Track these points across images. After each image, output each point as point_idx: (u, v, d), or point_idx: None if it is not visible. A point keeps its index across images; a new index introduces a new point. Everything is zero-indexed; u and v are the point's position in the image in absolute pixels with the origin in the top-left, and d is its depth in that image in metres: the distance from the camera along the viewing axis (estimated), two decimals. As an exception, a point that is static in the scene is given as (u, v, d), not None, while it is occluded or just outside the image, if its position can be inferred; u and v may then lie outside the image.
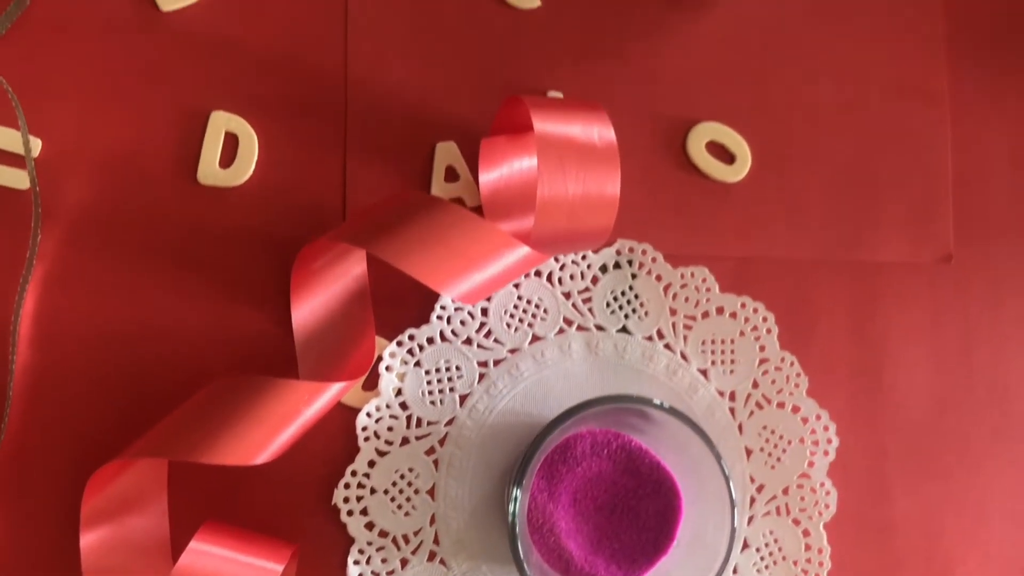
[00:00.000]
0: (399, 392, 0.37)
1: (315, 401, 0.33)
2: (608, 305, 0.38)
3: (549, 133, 0.34)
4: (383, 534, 0.36)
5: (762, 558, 0.38)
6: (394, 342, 0.37)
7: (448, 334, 0.37)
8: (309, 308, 0.35)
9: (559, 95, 0.39)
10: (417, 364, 0.37)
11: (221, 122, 0.37)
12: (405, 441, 0.37)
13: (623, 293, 0.38)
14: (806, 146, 0.40)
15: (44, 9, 0.38)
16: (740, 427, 0.38)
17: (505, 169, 0.37)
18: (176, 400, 0.34)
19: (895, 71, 0.41)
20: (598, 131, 0.35)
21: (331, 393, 0.33)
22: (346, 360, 0.35)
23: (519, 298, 0.38)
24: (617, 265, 0.38)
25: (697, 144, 0.39)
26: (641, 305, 0.38)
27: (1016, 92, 0.41)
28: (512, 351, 0.38)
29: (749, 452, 0.38)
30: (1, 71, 0.37)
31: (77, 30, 0.38)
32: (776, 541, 0.38)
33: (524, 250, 0.34)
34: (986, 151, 0.41)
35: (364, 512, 0.36)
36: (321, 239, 0.34)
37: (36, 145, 0.36)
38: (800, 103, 0.40)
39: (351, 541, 0.36)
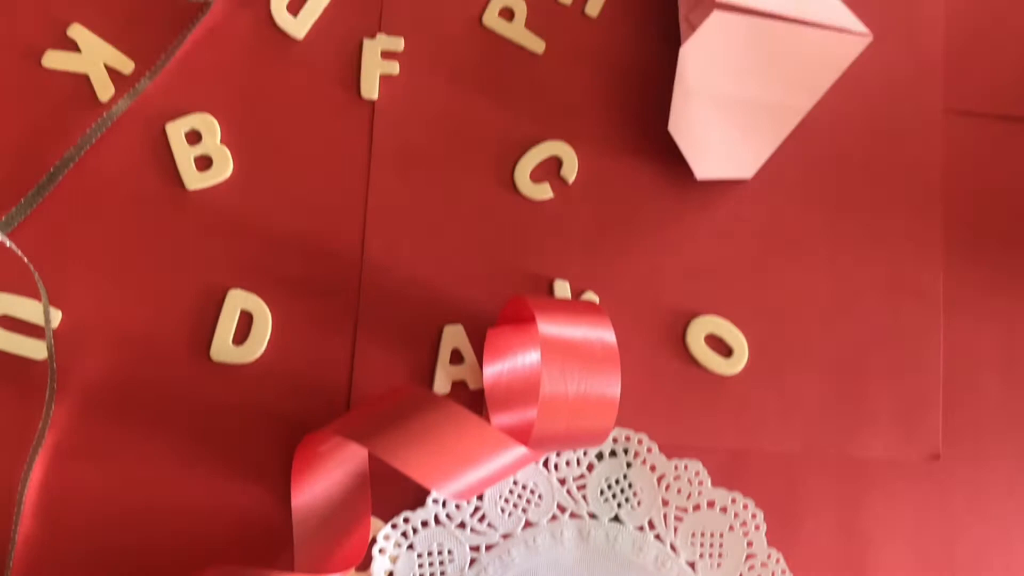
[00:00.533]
0: (390, 575, 0.38)
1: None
2: (602, 493, 0.39)
3: (552, 337, 0.35)
4: None
5: None
6: (389, 524, 0.38)
7: (443, 517, 0.38)
8: (309, 495, 0.36)
9: (566, 284, 0.40)
10: (410, 547, 0.38)
11: (238, 301, 0.38)
12: (394, 625, 0.37)
13: (617, 481, 0.39)
14: (802, 341, 0.41)
15: (73, 183, 0.39)
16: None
17: (508, 363, 0.38)
18: (176, 577, 0.35)
19: (891, 271, 0.42)
20: (600, 335, 0.36)
21: (325, 585, 0.34)
22: (341, 547, 0.36)
23: (515, 483, 0.39)
24: (613, 453, 0.39)
25: (696, 336, 0.41)
26: (635, 494, 0.39)
27: (1008, 294, 0.42)
28: (505, 536, 0.38)
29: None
30: (27, 241, 0.38)
31: (105, 205, 0.39)
32: None
33: (520, 450, 0.35)
34: (977, 351, 0.42)
35: None
36: (322, 431, 0.35)
37: (56, 316, 0.38)
38: (797, 299, 0.41)
39: None
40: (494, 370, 0.38)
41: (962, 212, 0.42)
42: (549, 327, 0.36)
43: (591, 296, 0.40)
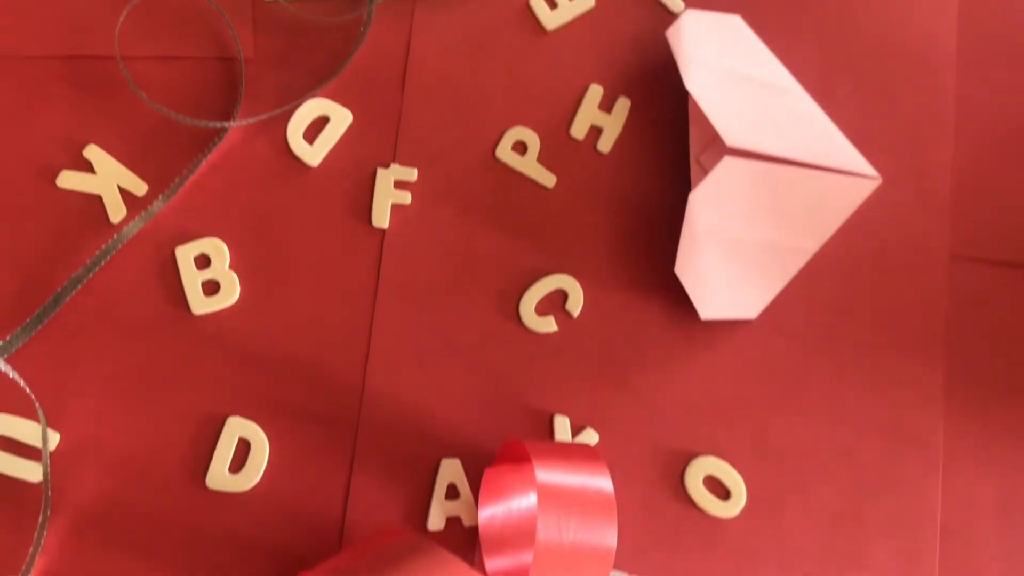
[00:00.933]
0: None
1: None
2: (593, 636, 0.39)
3: (550, 485, 0.35)
4: None
5: None
6: (377, 663, 0.37)
7: (431, 657, 0.38)
8: (297, 636, 0.36)
9: (566, 420, 0.40)
10: None
11: (236, 428, 0.38)
12: None
13: (610, 624, 0.39)
14: (800, 486, 0.41)
15: (80, 303, 0.39)
16: None
17: (504, 506, 0.38)
18: None
19: (892, 417, 0.42)
20: (597, 484, 0.36)
21: None
22: None
23: (506, 623, 0.38)
24: (606, 595, 0.39)
25: (695, 477, 0.40)
26: (626, 640, 0.39)
27: (1007, 446, 0.42)
28: None
29: None
30: (31, 360, 0.38)
31: (110, 326, 0.39)
32: None
33: (513, 601, 0.35)
34: (975, 504, 0.41)
35: None
36: (311, 573, 0.35)
37: (54, 439, 0.37)
38: (797, 442, 0.41)
39: None
40: (489, 512, 0.38)
41: (964, 360, 0.42)
42: (546, 474, 0.35)
43: (591, 433, 0.40)
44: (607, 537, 0.36)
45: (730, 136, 0.40)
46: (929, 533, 0.41)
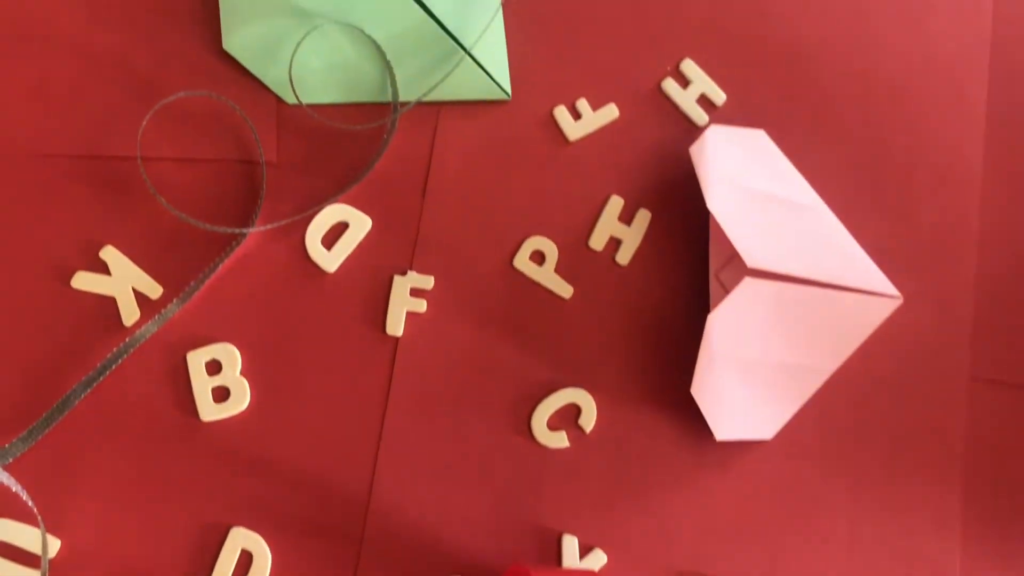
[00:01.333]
0: None
1: None
2: None
3: (557, 617, 0.34)
4: None
5: None
6: None
7: None
8: None
9: (574, 540, 0.39)
10: None
11: (239, 540, 0.38)
12: None
13: None
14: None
15: (87, 406, 0.39)
16: None
17: (509, 632, 0.37)
18: None
19: (908, 543, 0.41)
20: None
21: None
22: None
23: None
24: None
25: (704, 603, 0.40)
26: None
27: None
28: None
29: None
30: (33, 466, 0.38)
31: (116, 430, 0.39)
32: None
33: None
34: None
35: None
36: None
37: (54, 545, 0.37)
38: (811, 568, 0.40)
39: None
40: (493, 638, 0.38)
41: (983, 484, 0.41)
42: (553, 604, 0.35)
43: (599, 554, 0.39)
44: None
45: (751, 257, 0.39)
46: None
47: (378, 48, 0.41)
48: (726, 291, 0.40)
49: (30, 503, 0.36)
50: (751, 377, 0.40)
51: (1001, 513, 0.42)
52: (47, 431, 0.38)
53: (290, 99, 0.41)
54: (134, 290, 0.39)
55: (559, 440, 0.40)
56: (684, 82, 0.43)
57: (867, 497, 0.41)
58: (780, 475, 0.41)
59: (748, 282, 0.39)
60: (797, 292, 0.40)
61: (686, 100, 0.43)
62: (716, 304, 0.40)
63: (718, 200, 0.41)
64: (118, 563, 0.37)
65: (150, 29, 0.42)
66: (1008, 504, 0.42)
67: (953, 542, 0.41)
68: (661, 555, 0.40)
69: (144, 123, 0.41)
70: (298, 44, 0.41)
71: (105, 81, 0.41)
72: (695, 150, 0.42)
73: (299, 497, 0.39)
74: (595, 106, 0.43)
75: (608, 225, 0.42)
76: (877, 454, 0.42)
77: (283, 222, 0.41)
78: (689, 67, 0.44)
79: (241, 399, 0.39)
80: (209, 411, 0.39)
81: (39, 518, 0.36)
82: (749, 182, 0.42)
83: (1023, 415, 0.42)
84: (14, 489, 0.36)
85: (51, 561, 0.37)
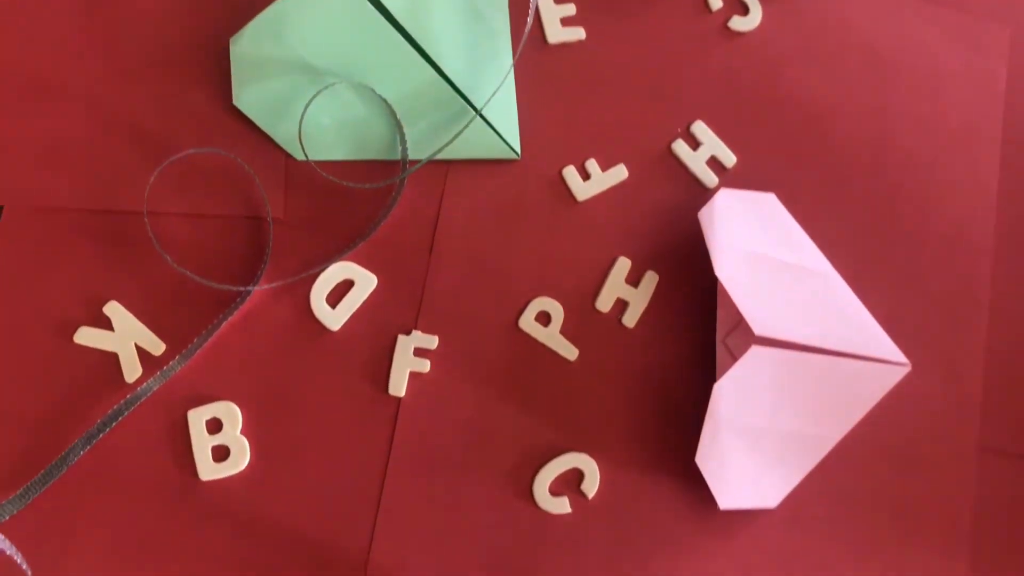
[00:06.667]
0: None
1: None
2: None
3: None
4: None
5: None
6: None
7: None
8: None
9: (574, 608, 0.39)
10: None
11: (234, 603, 0.37)
12: None
13: None
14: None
15: (85, 464, 0.38)
16: None
17: None
18: None
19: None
20: None
21: None
22: None
23: None
24: None
25: (704, 674, 0.39)
26: None
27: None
28: None
29: None
30: (28, 523, 0.37)
31: (114, 489, 0.38)
32: None
33: None
34: None
35: None
36: None
37: (48, 606, 0.37)
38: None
39: None
40: None
41: (990, 556, 0.41)
42: None
43: (599, 623, 0.39)
44: None
45: (758, 324, 0.39)
46: None
47: (389, 107, 0.41)
48: (733, 357, 0.40)
49: (24, 566, 0.36)
50: (756, 445, 0.40)
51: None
52: (45, 488, 0.38)
53: (299, 155, 0.41)
54: (137, 346, 0.39)
55: (561, 506, 0.40)
56: (695, 144, 0.43)
57: (872, 567, 0.40)
58: (784, 544, 0.41)
59: (755, 350, 0.39)
60: (804, 360, 0.40)
61: (696, 162, 0.43)
62: (722, 370, 0.40)
63: (726, 267, 0.40)
64: (111, 624, 0.37)
65: (161, 85, 0.42)
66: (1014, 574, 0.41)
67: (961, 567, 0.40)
68: (664, 624, 0.39)
69: (152, 179, 0.41)
70: (309, 102, 0.41)
71: (115, 137, 0.41)
72: (704, 215, 0.41)
73: (297, 559, 0.38)
74: (604, 167, 0.43)
75: (615, 287, 0.42)
76: (883, 523, 0.41)
77: (288, 280, 0.40)
78: (700, 129, 0.43)
79: (241, 458, 0.39)
80: (208, 470, 0.38)
81: (32, 579, 0.36)
82: (758, 247, 0.41)
83: (1031, 486, 0.42)
84: (8, 552, 0.36)
85: (44, 621, 0.37)
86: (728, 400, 0.39)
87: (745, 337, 0.39)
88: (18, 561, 0.36)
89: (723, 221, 0.41)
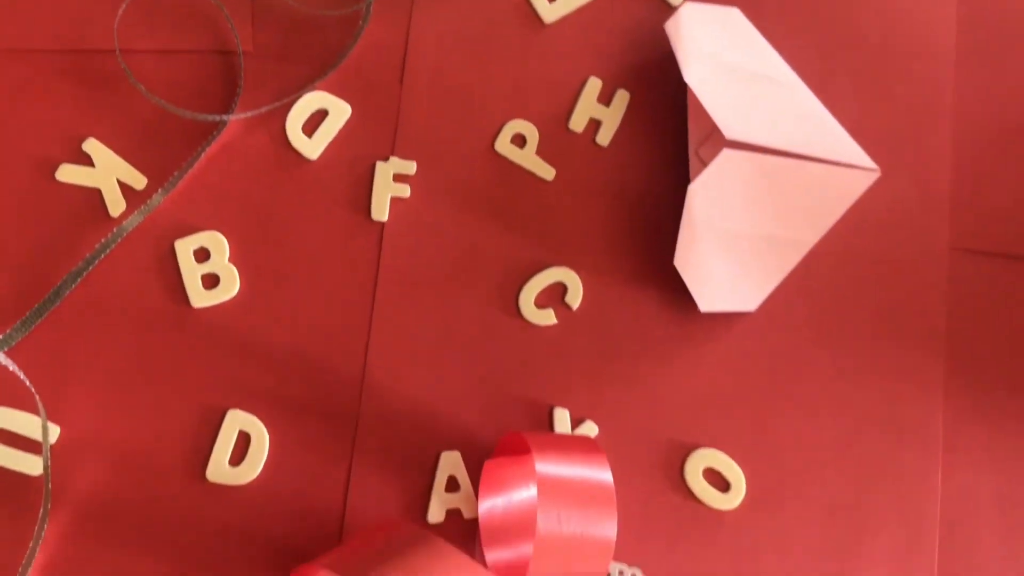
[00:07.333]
0: None
1: None
2: (594, 628, 0.39)
3: (550, 477, 0.35)
4: None
5: None
6: (378, 656, 0.37)
7: (432, 649, 0.38)
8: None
9: (565, 413, 0.40)
10: None
11: (236, 422, 0.38)
12: None
13: (611, 616, 0.39)
14: (799, 478, 0.41)
15: (79, 297, 0.39)
16: None
17: (504, 498, 0.38)
18: None
19: (891, 409, 0.42)
20: (597, 476, 0.36)
21: None
22: None
23: (506, 617, 0.38)
24: (607, 587, 0.39)
25: (695, 470, 0.40)
26: (627, 629, 0.39)
27: (1009, 439, 0.42)
28: (493, 671, 0.38)
29: None
30: (30, 355, 0.38)
31: (109, 320, 0.39)
32: None
33: (513, 592, 0.35)
34: (975, 496, 0.41)
35: None
36: (311, 564, 0.35)
37: (54, 432, 0.38)
38: (798, 435, 0.41)
39: None
40: (489, 504, 0.38)
41: (965, 352, 0.42)
42: (547, 466, 0.35)
43: (590, 426, 0.40)
44: (607, 529, 0.36)
45: (729, 129, 0.40)
46: (929, 524, 0.41)
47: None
48: (705, 166, 0.41)
49: (30, 386, 0.37)
50: (733, 249, 0.41)
51: (983, 377, 0.42)
52: (40, 321, 0.38)
53: (262, -16, 0.41)
54: (119, 182, 0.40)
55: (547, 318, 0.41)
56: (658, -39, 0.44)
57: (850, 366, 0.42)
58: (765, 346, 0.42)
59: (726, 153, 0.40)
60: (775, 164, 0.40)
61: (661, -21, 0.44)
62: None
63: (695, 75, 0.41)
64: (118, 448, 0.38)
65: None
66: (990, 369, 0.42)
67: (936, 407, 0.42)
68: (651, 425, 0.40)
69: (120, 14, 0.41)
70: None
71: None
72: (671, 27, 0.42)
73: (293, 379, 0.39)
74: (569, -13, 0.43)
75: (587, 107, 0.43)
76: (859, 324, 0.42)
77: (263, 109, 0.41)
78: (662, -54, 0.44)
79: (231, 285, 0.39)
80: (200, 298, 0.39)
81: (39, 404, 0.37)
82: (726, 57, 0.42)
83: (1002, 282, 0.43)
84: (20, 376, 0.37)
85: (52, 447, 0.37)
86: (702, 203, 0.40)
87: (717, 145, 0.40)
88: (26, 384, 0.37)
89: (690, 32, 0.42)
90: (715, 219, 0.40)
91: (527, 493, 0.38)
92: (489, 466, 0.38)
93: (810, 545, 0.40)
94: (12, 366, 0.37)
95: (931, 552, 0.40)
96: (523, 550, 0.36)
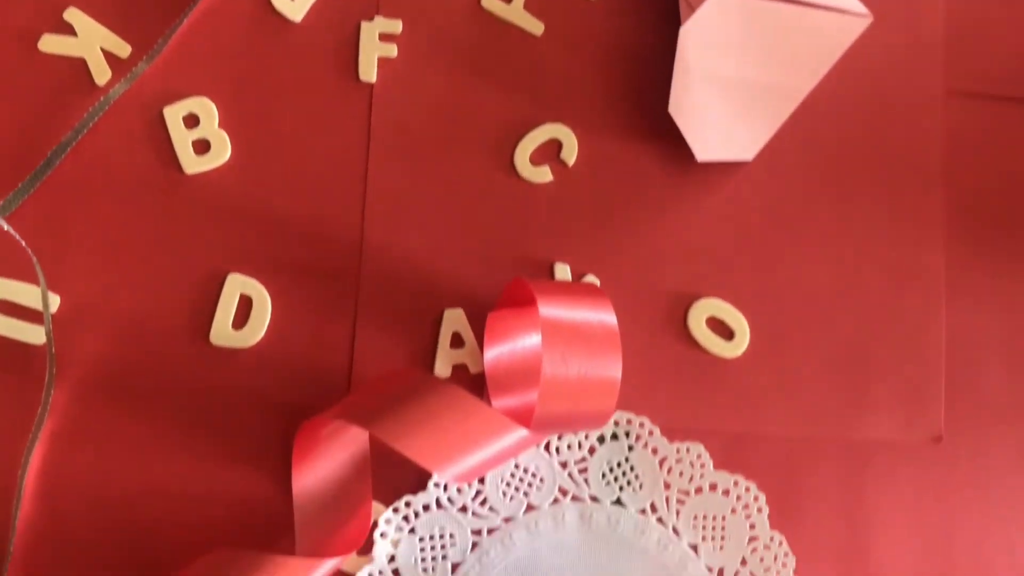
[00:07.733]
0: (392, 559, 0.37)
1: (309, 576, 0.34)
2: (604, 476, 0.39)
3: (553, 320, 0.35)
4: None
5: None
6: (390, 508, 0.37)
7: (444, 501, 0.38)
8: (310, 478, 0.36)
9: (566, 267, 0.40)
10: (412, 531, 0.38)
11: (237, 285, 0.38)
12: (396, 609, 0.37)
13: (619, 464, 0.39)
14: (803, 325, 0.41)
15: (70, 167, 0.39)
16: (728, 606, 0.39)
17: (509, 346, 0.38)
18: (176, 563, 0.35)
19: (892, 253, 0.42)
20: (601, 317, 0.36)
21: (324, 569, 0.34)
22: (342, 531, 0.35)
23: (516, 466, 0.38)
24: (615, 436, 0.39)
25: (698, 319, 0.40)
26: (636, 477, 0.39)
27: (1010, 277, 0.42)
28: (506, 519, 0.38)
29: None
30: (24, 226, 0.38)
31: (102, 189, 0.39)
32: None
33: (521, 433, 0.35)
34: (979, 334, 0.41)
35: None
36: (324, 415, 0.35)
37: (55, 301, 0.37)
38: (799, 282, 0.41)
39: None
40: (494, 353, 0.38)
41: (963, 194, 0.42)
42: (550, 309, 0.35)
43: (592, 279, 0.40)
44: (612, 369, 0.36)
45: (718, -29, 0.39)
46: (935, 365, 0.41)
47: None
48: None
49: (30, 253, 0.37)
50: (727, 95, 0.40)
51: (982, 218, 0.42)
52: (33, 190, 0.38)
53: None
54: (103, 50, 0.39)
55: (542, 175, 0.41)
56: None
57: (850, 212, 0.42)
58: (764, 194, 0.42)
59: (716, -5, 0.39)
60: (766, 8, 0.40)
61: None
62: (687, 25, 0.40)
63: (682, -82, 0.40)
64: (119, 315, 0.38)
65: None
66: (989, 209, 0.42)
67: (937, 249, 0.42)
68: (653, 277, 0.40)
69: None
70: None
71: None
72: None
73: (292, 241, 0.39)
74: None
75: (573, -40, 0.42)
76: (857, 170, 0.42)
77: (244, -30, 0.40)
78: None
79: (222, 151, 0.39)
80: (192, 164, 0.39)
81: (39, 272, 0.37)
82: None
83: (998, 124, 0.43)
84: (22, 244, 0.37)
85: (53, 316, 0.37)
86: (694, 46, 0.39)
87: (707, -8, 0.40)
88: (26, 250, 0.37)
89: None
90: (708, 63, 0.40)
91: (532, 340, 0.38)
92: (493, 317, 0.38)
93: (815, 390, 0.40)
94: (10, 230, 0.37)
95: (938, 390, 0.41)
96: (530, 396, 0.36)
